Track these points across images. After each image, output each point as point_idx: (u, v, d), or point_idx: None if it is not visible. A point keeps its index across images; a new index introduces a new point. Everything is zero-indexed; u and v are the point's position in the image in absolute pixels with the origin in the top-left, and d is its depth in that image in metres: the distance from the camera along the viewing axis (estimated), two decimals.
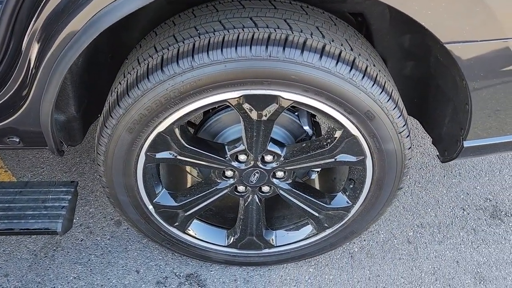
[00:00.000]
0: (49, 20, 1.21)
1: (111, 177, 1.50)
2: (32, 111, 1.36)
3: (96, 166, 1.52)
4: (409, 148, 1.47)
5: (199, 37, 1.27)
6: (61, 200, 1.58)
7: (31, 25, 1.24)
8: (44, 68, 1.26)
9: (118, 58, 1.53)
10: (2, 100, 1.35)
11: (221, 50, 1.24)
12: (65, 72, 1.24)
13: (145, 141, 1.41)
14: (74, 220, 1.98)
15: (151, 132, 1.39)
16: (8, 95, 1.35)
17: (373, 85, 1.31)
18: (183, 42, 1.27)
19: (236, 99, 1.32)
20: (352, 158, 1.48)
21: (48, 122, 1.37)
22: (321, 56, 1.25)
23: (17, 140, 1.46)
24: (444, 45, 1.24)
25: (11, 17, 1.24)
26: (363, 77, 1.29)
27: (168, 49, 1.29)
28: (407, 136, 1.43)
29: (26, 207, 1.56)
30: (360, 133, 1.40)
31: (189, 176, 1.86)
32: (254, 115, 1.36)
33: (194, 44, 1.26)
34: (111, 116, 1.36)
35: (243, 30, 1.25)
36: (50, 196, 1.59)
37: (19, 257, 1.88)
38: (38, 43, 1.25)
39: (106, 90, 1.49)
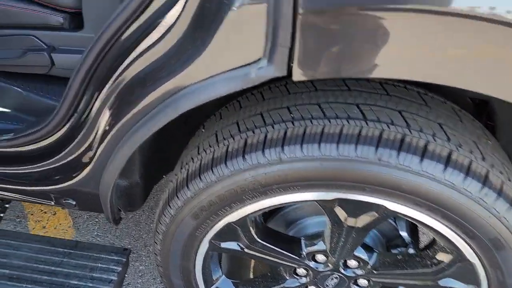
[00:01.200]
0: (125, 89, 1.05)
1: (167, 258, 1.31)
2: (92, 179, 1.20)
3: (153, 243, 1.34)
4: None
5: (293, 124, 1.04)
6: (110, 272, 1.42)
7: (105, 89, 1.08)
8: (111, 139, 1.10)
9: (192, 123, 1.35)
10: (61, 163, 1.21)
11: (319, 145, 1.00)
12: (134, 148, 1.07)
13: (211, 228, 1.20)
14: None
15: (220, 221, 1.18)
16: (68, 158, 1.20)
17: (508, 207, 1.01)
18: (273, 127, 1.06)
19: (328, 201, 1.07)
20: (462, 286, 1.17)
21: (108, 191, 1.22)
22: (445, 167, 0.98)
23: (73, 203, 1.33)
24: None
25: (85, 76, 1.09)
26: (497, 197, 1.00)
27: (253, 132, 1.08)
28: None
29: (72, 275, 1.41)
30: (480, 261, 1.10)
31: (253, 261, 1.63)
32: (346, 221, 1.11)
33: (285, 132, 1.04)
34: (177, 197, 1.17)
35: (348, 123, 1.01)
36: (99, 265, 1.44)
37: None
38: (109, 110, 1.09)
39: (175, 154, 1.31)
